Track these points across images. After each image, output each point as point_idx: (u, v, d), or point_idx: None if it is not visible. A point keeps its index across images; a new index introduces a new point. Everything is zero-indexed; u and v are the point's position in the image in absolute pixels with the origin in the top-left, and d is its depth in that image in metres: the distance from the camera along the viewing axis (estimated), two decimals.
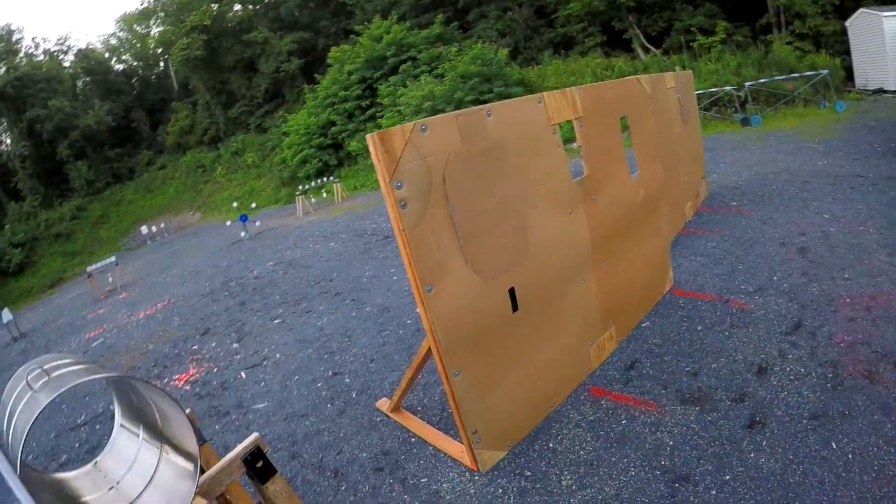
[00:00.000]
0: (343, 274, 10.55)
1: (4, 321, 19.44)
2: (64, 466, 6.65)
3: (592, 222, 4.45)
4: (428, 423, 4.57)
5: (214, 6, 42.98)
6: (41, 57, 50.99)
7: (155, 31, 52.46)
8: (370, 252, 11.67)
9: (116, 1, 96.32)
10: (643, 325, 5.23)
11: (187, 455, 2.85)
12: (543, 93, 4.05)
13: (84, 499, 3.16)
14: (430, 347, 3.44)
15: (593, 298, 4.58)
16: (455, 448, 4.10)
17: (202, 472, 2.81)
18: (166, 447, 3.14)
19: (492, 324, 3.65)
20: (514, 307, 3.78)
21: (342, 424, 5.03)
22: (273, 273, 12.80)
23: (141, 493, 3.01)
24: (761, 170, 10.16)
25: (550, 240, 4.06)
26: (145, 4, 51.29)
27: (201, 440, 3.37)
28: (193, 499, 2.63)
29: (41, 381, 2.75)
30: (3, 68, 46.74)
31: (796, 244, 6.29)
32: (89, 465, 3.61)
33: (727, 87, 17.59)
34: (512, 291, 3.75)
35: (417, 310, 3.36)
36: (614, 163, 4.86)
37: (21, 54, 48.95)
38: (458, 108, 20.84)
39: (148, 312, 13.67)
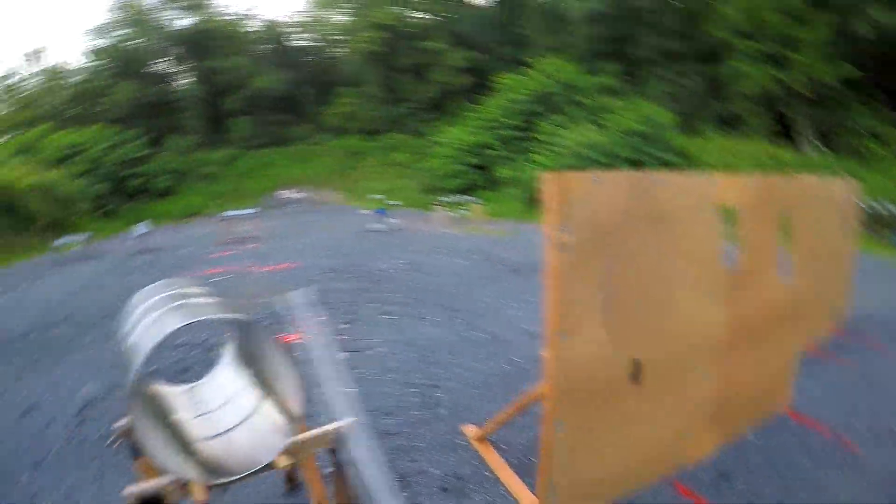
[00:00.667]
0: (464, 292, 10.63)
1: (139, 233, 20.95)
2: (152, 376, 7.05)
3: (731, 316, 4.31)
4: (508, 463, 4.54)
5: (399, 9, 44.71)
6: (230, 17, 54.87)
7: (338, 18, 55.40)
8: (495, 279, 11.70)
9: None
10: (749, 437, 5.00)
11: (287, 413, 2.98)
12: (716, 173, 4.00)
13: (174, 415, 3.39)
14: (543, 393, 3.45)
15: (709, 393, 4.43)
16: (527, 497, 4.05)
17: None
18: (269, 399, 3.29)
19: (607, 388, 3.61)
20: (634, 377, 3.72)
21: (423, 436, 5.08)
22: (398, 271, 13.07)
23: (232, 428, 3.20)
24: None
25: (686, 323, 3.97)
26: None
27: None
28: (278, 455, 2.74)
29: (178, 303, 3.00)
30: (195, 18, 51.09)
31: None
32: (186, 387, 3.82)
33: (892, 206, 16.45)
34: (635, 362, 3.70)
35: (541, 352, 3.35)
36: (767, 261, 4.71)
37: (212, 9, 52.94)
38: (613, 162, 20.66)
39: (270, 269, 14.31)
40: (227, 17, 54.73)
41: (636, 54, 31.99)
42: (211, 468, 2.74)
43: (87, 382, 7.22)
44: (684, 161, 21.91)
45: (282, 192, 41.07)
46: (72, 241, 22.24)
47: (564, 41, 35.26)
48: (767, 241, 4.66)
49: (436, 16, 46.18)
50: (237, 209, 27.82)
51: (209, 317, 2.87)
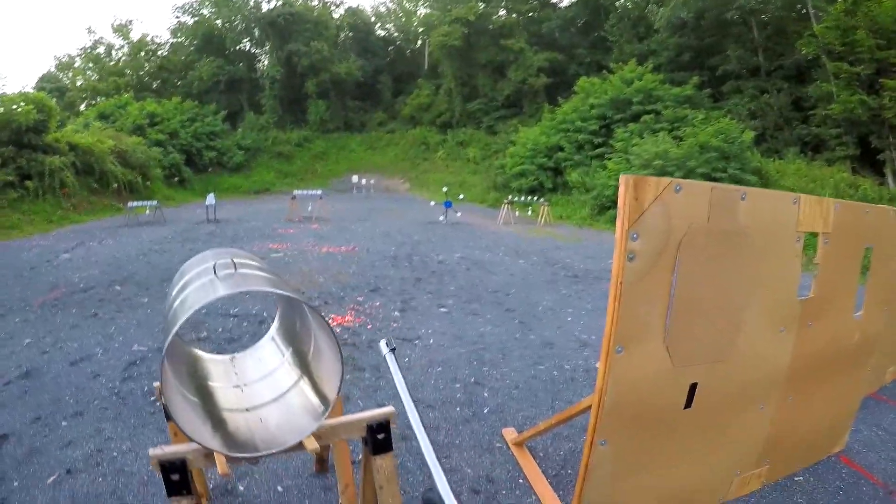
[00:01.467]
0: (521, 294, 10.44)
1: (207, 203, 21.72)
2: (201, 342, 7.27)
3: (798, 349, 4.05)
4: (544, 473, 4.39)
5: (481, 5, 44.81)
6: (314, 2, 56.41)
7: (421, 10, 56.11)
8: (555, 284, 11.46)
9: None
10: (796, 478, 4.70)
11: (321, 396, 2.91)
12: (801, 195, 3.74)
13: (210, 382, 3.38)
14: (591, 406, 3.29)
15: (763, 428, 4.18)
16: None
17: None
18: (306, 378, 3.23)
19: (659, 410, 3.38)
20: (688, 403, 3.51)
21: (462, 433, 4.97)
22: (456, 265, 13.05)
23: (264, 404, 3.15)
24: None
25: (752, 351, 3.72)
26: None
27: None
28: (308, 437, 2.68)
29: (226, 272, 2.91)
30: (280, 1, 52.31)
31: None
32: (227, 357, 3.83)
33: None
34: (693, 387, 3.49)
35: (595, 363, 3.19)
36: (843, 294, 4.40)
37: None
38: (687, 175, 20.10)
39: (331, 250, 14.59)
40: (312, 2, 55.80)
41: (720, 67, 31.13)
42: (237, 441, 2.71)
43: (138, 341, 7.44)
44: (760, 182, 21.09)
45: (352, 176, 41.59)
46: (143, 206, 23.20)
47: (648, 49, 34.72)
48: (847, 273, 4.37)
49: (518, 14, 46.00)
50: (306, 189, 28.37)
51: (254, 289, 2.81)
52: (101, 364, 6.61)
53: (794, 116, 27.75)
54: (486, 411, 5.40)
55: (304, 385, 3.19)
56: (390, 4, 63.72)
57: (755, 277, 3.56)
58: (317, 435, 2.73)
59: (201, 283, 2.91)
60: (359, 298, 9.70)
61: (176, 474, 2.42)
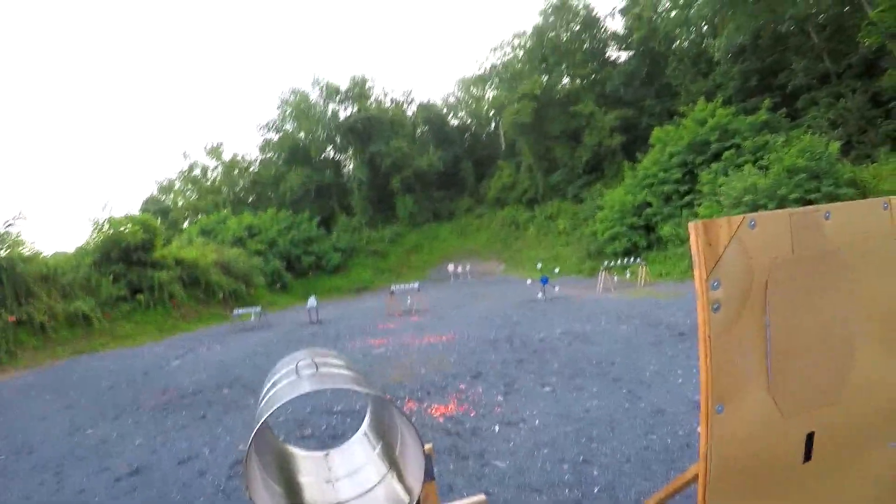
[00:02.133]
0: (626, 361, 10.01)
1: (309, 306, 22.43)
2: (304, 440, 7.28)
3: None
4: None
5: (544, 77, 45.49)
6: (388, 104, 59.12)
7: (489, 94, 58.18)
8: (660, 346, 10.96)
9: (458, 65, 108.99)
10: None
11: (408, 487, 2.84)
12: (891, 197, 3.35)
13: (299, 478, 3.39)
14: (697, 473, 2.94)
15: (893, 469, 3.67)
16: None
17: None
18: (393, 471, 3.18)
19: (776, 468, 2.99)
20: (808, 456, 3.11)
21: None
22: (558, 341, 12.68)
23: (351, 499, 3.12)
24: None
25: (873, 382, 3.28)
26: (483, 71, 57.81)
27: (430, 477, 3.32)
28: None
29: (308, 372, 3.01)
30: (356, 108, 55.49)
31: None
32: (321, 453, 3.86)
33: None
34: (810, 436, 3.09)
35: (697, 427, 2.88)
36: None
37: (371, 99, 57.53)
38: (781, 205, 19.21)
39: (431, 340, 14.53)
40: (385, 104, 58.40)
41: (789, 83, 30.03)
42: None
43: (245, 440, 7.41)
44: (858, 193, 20.01)
45: (448, 264, 42.16)
46: (248, 312, 24.41)
47: (713, 83, 34.12)
48: None
49: (581, 79, 46.31)
50: (403, 283, 28.86)
51: (334, 386, 2.91)
52: (208, 462, 6.80)
53: (876, 114, 26.11)
54: (596, 491, 5.03)
55: (392, 478, 3.15)
56: (459, 94, 65.66)
57: (858, 300, 3.17)
58: None
59: (286, 382, 3.00)
60: (461, 386, 9.52)
61: None
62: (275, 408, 2.64)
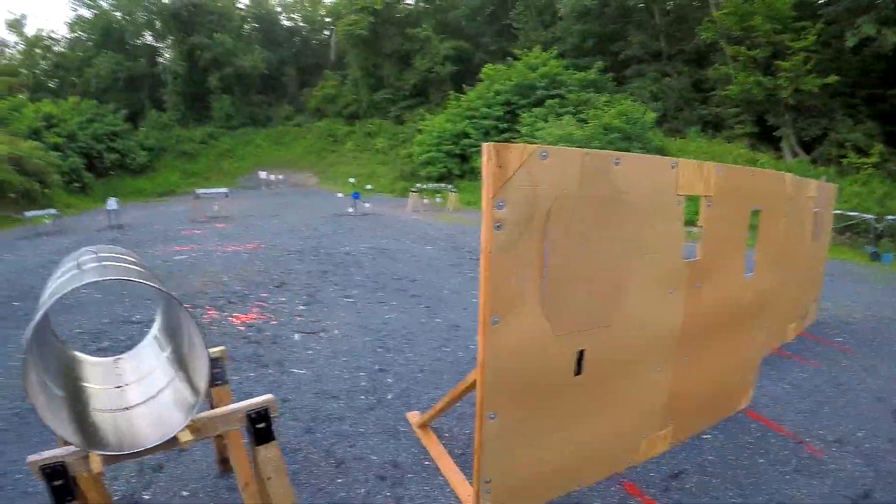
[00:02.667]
0: (428, 279, 10.45)
1: (109, 208, 20.96)
2: (102, 352, 6.84)
3: (689, 310, 4.09)
4: (450, 453, 4.33)
5: None
6: None
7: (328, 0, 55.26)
8: (461, 267, 11.56)
9: None
10: (704, 436, 4.80)
11: (194, 389, 2.83)
12: (679, 159, 3.75)
13: (86, 384, 3.27)
14: (476, 380, 3.21)
15: (663, 390, 4.21)
16: (464, 490, 3.82)
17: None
18: (181, 374, 3.16)
19: (547, 379, 3.36)
20: (578, 370, 3.47)
21: (366, 420, 4.89)
22: (363, 255, 12.92)
23: (140, 403, 3.08)
24: (879, 312, 9.17)
25: (639, 315, 3.73)
26: None
27: (222, 380, 3.42)
28: (182, 431, 2.61)
29: (91, 265, 2.90)
30: None
31: (894, 405, 5.64)
32: (110, 359, 3.76)
33: (867, 216, 16.15)
34: (581, 354, 3.45)
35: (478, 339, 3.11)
36: (731, 255, 4.49)
37: None
38: None
39: (236, 248, 14.23)
40: None
41: (623, 53, 32.12)
42: (112, 441, 2.62)
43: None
44: None
45: (259, 172, 40.88)
46: (42, 215, 22.14)
47: (553, 36, 35.38)
48: (732, 234, 4.45)
49: (425, 3, 45.88)
50: (212, 188, 27.75)
51: (116, 277, 2.74)
52: (1, 385, 6.10)
53: (695, 98, 28.94)
54: (390, 397, 5.34)
55: (180, 381, 3.11)
56: None
57: (636, 242, 3.57)
58: (194, 428, 2.66)
59: (70, 275, 2.85)
60: (263, 295, 9.46)
61: (58, 480, 2.36)
62: (53, 299, 2.49)
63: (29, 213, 21.82)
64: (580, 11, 33.98)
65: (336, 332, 7.37)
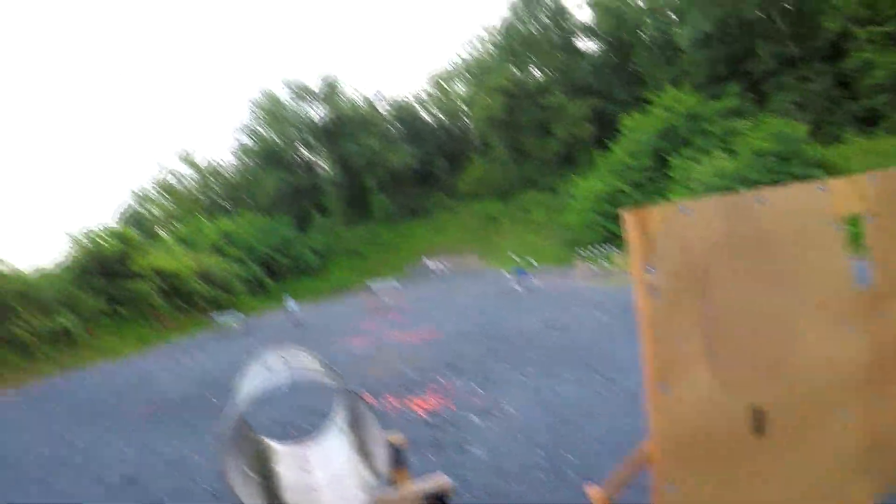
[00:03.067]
0: (603, 348, 10.18)
1: (289, 309, 22.59)
2: (289, 438, 7.29)
3: (875, 344, 3.72)
4: None
5: (514, 71, 45.49)
6: (359, 102, 59.08)
7: (460, 89, 57.61)
8: (637, 332, 11.09)
9: (427, 60, 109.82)
10: None
11: (376, 472, 2.98)
12: (828, 179, 3.51)
13: (276, 468, 3.55)
14: (648, 452, 3.09)
15: (857, 436, 3.80)
16: None
17: None
18: (362, 459, 3.34)
19: (725, 442, 3.14)
20: (757, 429, 3.23)
21: (546, 498, 4.77)
22: (534, 330, 12.86)
23: (322, 487, 3.30)
24: None
25: (816, 357, 3.42)
26: (452, 67, 58.19)
27: (402, 464, 3.49)
28: None
29: (277, 368, 3.22)
30: (328, 108, 55.10)
31: None
32: (297, 446, 4.06)
33: None
34: (756, 410, 3.23)
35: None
36: None
37: (342, 98, 57.52)
38: (750, 188, 19.49)
39: (410, 337, 14.65)
40: (357, 103, 58.18)
41: (755, 69, 30.46)
42: None
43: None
44: (826, 173, 20.03)
45: (424, 260, 42.29)
46: (229, 319, 24.43)
47: (680, 71, 34.37)
48: None
49: (551, 70, 46.43)
50: (381, 281, 28.97)
51: (301, 379, 3.16)
52: (198, 468, 6.90)
53: (841, 95, 26.72)
54: (570, 473, 5.19)
55: (362, 466, 3.30)
56: (430, 90, 65.61)
57: (798, 280, 3.33)
58: None
59: (262, 378, 3.18)
60: (439, 379, 9.66)
61: None
62: (248, 401, 2.82)
63: (217, 318, 24.12)
64: (700, 39, 32.90)
65: (512, 410, 7.34)
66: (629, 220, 2.75)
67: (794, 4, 30.08)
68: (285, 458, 3.78)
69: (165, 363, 17.85)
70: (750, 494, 3.31)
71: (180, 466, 7.15)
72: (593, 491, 4.65)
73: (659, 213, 2.79)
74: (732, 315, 3.08)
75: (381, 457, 2.88)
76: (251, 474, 3.12)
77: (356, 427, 3.68)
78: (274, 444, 4.02)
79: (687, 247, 2.87)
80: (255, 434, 4.04)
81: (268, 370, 3.20)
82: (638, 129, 31.02)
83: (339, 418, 4.22)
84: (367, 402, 2.92)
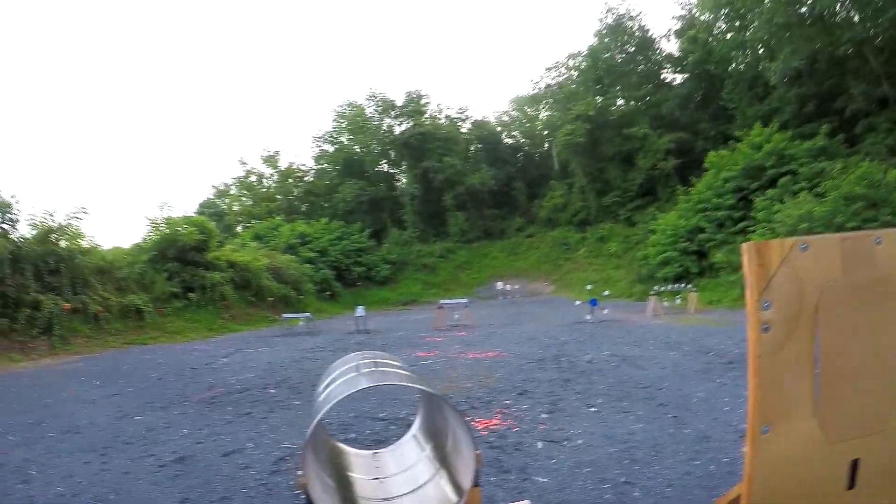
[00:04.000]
0: (674, 386, 9.85)
1: (357, 315, 22.89)
2: (349, 443, 7.40)
3: None
4: None
5: (599, 99, 45.31)
6: (442, 120, 59.74)
7: (543, 114, 58.30)
8: (709, 373, 10.77)
9: (512, 84, 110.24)
10: None
11: (457, 488, 2.93)
12: None
13: (349, 473, 3.54)
14: (739, 494, 2.91)
15: None
16: None
17: None
18: (443, 472, 3.29)
19: (819, 494, 2.91)
20: (851, 484, 2.94)
21: None
22: (605, 363, 12.60)
23: (400, 495, 3.24)
24: None
25: None
26: (537, 90, 57.81)
27: (476, 483, 3.40)
28: None
29: (368, 370, 3.20)
30: (411, 123, 56.33)
31: None
32: (369, 452, 4.02)
33: None
34: (854, 463, 2.95)
35: (743, 449, 2.85)
36: None
37: (426, 115, 58.38)
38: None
39: (478, 356, 14.64)
40: (440, 120, 58.95)
41: (847, 108, 29.16)
42: None
43: (289, 439, 7.76)
44: None
45: (495, 282, 42.32)
46: (297, 317, 25.01)
47: (770, 107, 33.30)
48: None
49: (636, 101, 45.94)
50: (452, 298, 28.98)
51: (393, 382, 3.05)
52: (252, 458, 7.02)
53: None
54: None
55: (442, 478, 3.25)
56: (513, 112, 65.87)
57: None
58: None
59: (345, 378, 3.17)
60: (505, 402, 9.54)
61: None
62: (336, 400, 2.79)
63: (286, 315, 24.68)
64: (790, 76, 31.80)
65: (580, 441, 7.15)
66: (747, 252, 2.60)
67: (888, 42, 28.63)
68: (361, 465, 3.75)
69: (229, 352, 18.37)
70: None
71: (234, 453, 7.30)
72: None
73: (778, 247, 2.63)
74: (842, 359, 2.86)
75: (465, 472, 2.79)
76: (328, 480, 3.11)
77: (435, 437, 3.65)
78: (349, 449, 3.99)
79: (803, 283, 2.69)
80: (328, 435, 4.03)
81: (355, 370, 3.14)
82: (723, 166, 30.18)
83: (416, 427, 4.17)
84: (457, 410, 2.80)
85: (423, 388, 2.88)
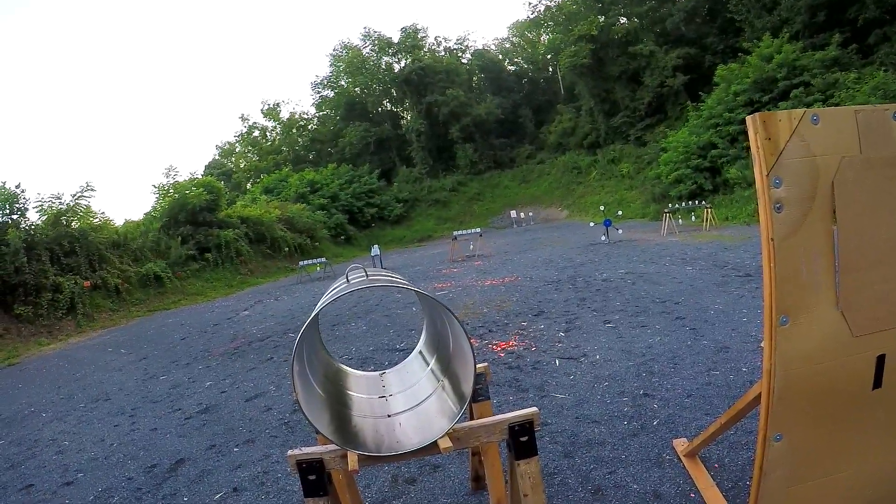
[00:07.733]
0: (691, 300, 9.73)
1: (373, 254, 23.18)
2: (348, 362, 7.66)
3: None
4: (719, 486, 3.80)
5: (601, 17, 43.98)
6: (442, 53, 58.99)
7: (544, 38, 56.58)
8: (726, 286, 10.57)
9: (510, 9, 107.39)
10: None
11: (460, 396, 2.82)
12: None
13: (350, 392, 3.46)
14: (760, 393, 2.72)
15: None
16: None
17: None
18: (445, 382, 3.19)
19: (843, 392, 2.72)
20: (877, 382, 2.73)
21: (629, 447, 4.56)
22: (621, 280, 12.53)
23: (403, 411, 3.16)
24: None
25: None
26: (535, 14, 55.86)
27: (484, 396, 3.39)
28: (442, 437, 2.58)
29: (358, 278, 3.15)
30: (410, 59, 55.39)
31: None
32: (376, 373, 3.92)
33: None
34: (881, 360, 2.72)
35: (762, 345, 2.66)
36: None
37: (425, 49, 57.71)
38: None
39: (494, 283, 14.74)
40: (439, 53, 58.06)
41: (860, 17, 27.98)
42: (373, 444, 2.75)
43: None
44: None
45: (510, 211, 42.38)
46: (313, 264, 25.29)
47: (779, 18, 32.06)
48: None
49: (640, 17, 44.55)
50: (467, 230, 29.00)
51: (387, 285, 3.07)
52: (274, 399, 7.26)
53: None
54: (655, 423, 4.93)
55: (445, 390, 3.15)
56: (514, 39, 64.58)
57: None
58: (454, 437, 2.63)
59: (337, 287, 3.15)
60: (522, 324, 9.57)
61: (313, 475, 2.47)
62: (325, 303, 2.77)
63: (302, 263, 25.01)
64: None
65: (597, 356, 7.13)
66: (753, 124, 2.38)
67: None
68: (360, 383, 3.72)
69: (249, 304, 18.67)
70: (859, 454, 2.87)
71: (256, 397, 7.49)
72: (680, 444, 4.40)
73: (786, 119, 2.40)
74: (864, 244, 2.63)
75: (467, 376, 2.71)
76: (317, 389, 3.05)
77: (438, 347, 3.56)
78: (349, 369, 3.95)
79: (816, 159, 2.45)
80: (330, 356, 3.99)
81: (347, 280, 3.12)
82: (733, 80, 29.19)
83: (421, 342, 4.11)
84: (453, 314, 2.71)
85: (414, 288, 2.82)
